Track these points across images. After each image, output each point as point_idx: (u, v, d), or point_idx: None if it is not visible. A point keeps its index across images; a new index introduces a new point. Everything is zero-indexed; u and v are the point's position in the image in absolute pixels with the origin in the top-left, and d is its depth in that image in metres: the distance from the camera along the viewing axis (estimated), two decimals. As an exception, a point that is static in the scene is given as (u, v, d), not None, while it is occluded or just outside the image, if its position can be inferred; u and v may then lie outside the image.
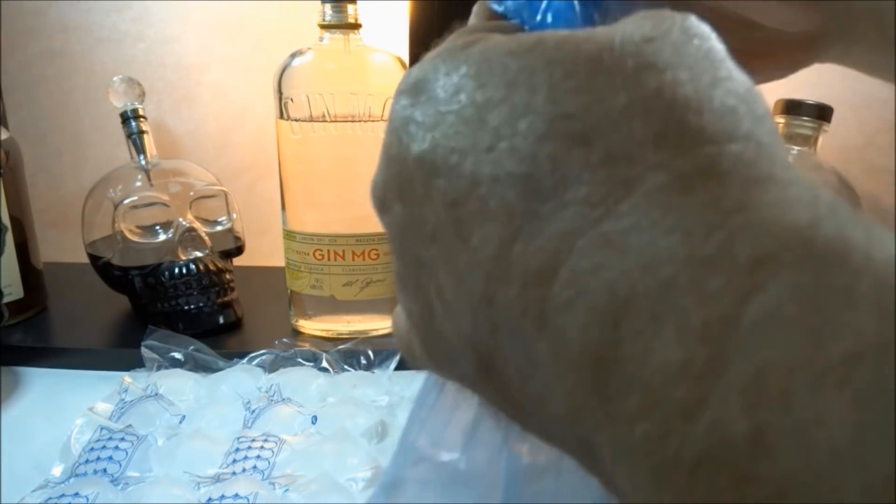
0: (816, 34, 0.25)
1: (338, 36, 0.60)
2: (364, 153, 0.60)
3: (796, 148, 0.65)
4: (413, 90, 0.17)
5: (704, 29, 0.16)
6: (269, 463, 0.44)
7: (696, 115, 0.14)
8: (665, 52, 0.15)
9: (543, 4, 0.19)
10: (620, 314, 0.13)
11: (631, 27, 0.16)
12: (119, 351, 0.61)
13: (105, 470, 0.44)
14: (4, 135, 0.66)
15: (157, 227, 0.65)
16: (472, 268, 0.15)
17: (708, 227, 0.13)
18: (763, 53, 0.26)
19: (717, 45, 0.16)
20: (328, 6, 0.59)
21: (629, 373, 0.13)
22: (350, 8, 0.59)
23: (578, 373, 0.14)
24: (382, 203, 0.18)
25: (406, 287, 0.19)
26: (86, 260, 0.68)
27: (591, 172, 0.14)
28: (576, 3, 0.19)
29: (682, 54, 0.15)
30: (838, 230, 0.12)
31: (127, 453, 0.45)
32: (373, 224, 0.61)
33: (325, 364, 0.57)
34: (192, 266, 0.63)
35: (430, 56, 0.18)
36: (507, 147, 0.15)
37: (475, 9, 0.22)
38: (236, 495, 0.40)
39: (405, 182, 0.17)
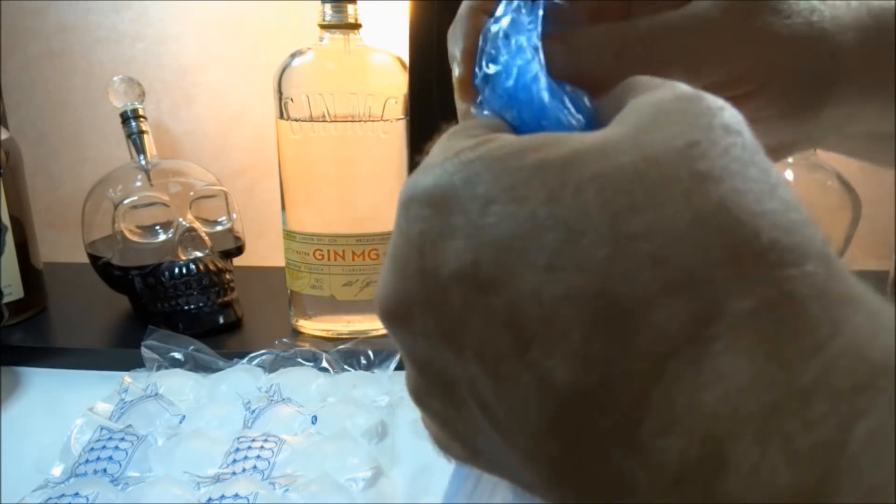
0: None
1: (338, 36, 0.60)
2: (364, 153, 0.60)
3: (796, 148, 0.65)
4: (430, 200, 0.16)
5: (739, 119, 0.16)
6: (269, 463, 0.44)
7: (767, 233, 0.14)
8: (714, 157, 0.14)
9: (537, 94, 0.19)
10: (722, 438, 0.13)
11: (664, 131, 0.15)
12: (119, 351, 0.61)
13: (105, 470, 0.44)
14: (4, 135, 0.66)
15: (157, 227, 0.65)
16: (539, 391, 0.15)
17: (804, 356, 0.13)
18: None
19: (753, 139, 0.15)
20: (328, 6, 0.59)
21: (734, 496, 0.12)
22: (350, 8, 0.59)
23: (679, 495, 0.13)
24: (400, 317, 0.17)
25: (432, 399, 0.18)
26: (86, 260, 0.68)
27: (672, 294, 0.14)
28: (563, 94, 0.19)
29: (732, 158, 0.15)
30: None
31: (127, 453, 0.45)
32: (373, 224, 0.62)
33: (325, 364, 0.57)
34: (192, 266, 0.63)
35: (432, 162, 0.17)
36: (573, 265, 0.14)
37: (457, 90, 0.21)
38: (236, 495, 0.40)
39: (436, 298, 0.16)
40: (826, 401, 0.12)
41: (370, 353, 0.58)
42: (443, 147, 0.17)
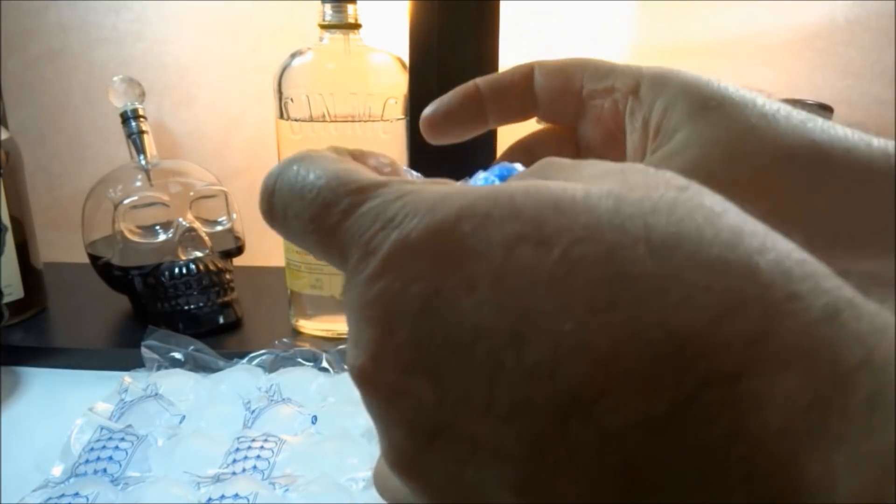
0: None
1: (338, 36, 0.60)
2: (364, 153, 0.60)
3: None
4: (431, 250, 0.15)
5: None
6: (269, 463, 0.44)
7: (796, 270, 0.13)
8: (713, 204, 0.14)
9: None
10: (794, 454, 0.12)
11: (652, 177, 0.15)
12: (119, 351, 0.61)
13: (105, 470, 0.44)
14: (4, 135, 0.66)
15: (157, 227, 0.65)
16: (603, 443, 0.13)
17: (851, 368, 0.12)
18: None
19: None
20: (328, 6, 0.59)
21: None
22: (350, 8, 0.59)
23: None
24: (403, 388, 0.15)
25: (434, 465, 0.15)
26: (86, 260, 0.68)
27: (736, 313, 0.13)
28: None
29: (727, 205, 0.15)
30: None
31: (127, 453, 0.45)
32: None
33: (325, 364, 0.57)
34: (192, 266, 0.63)
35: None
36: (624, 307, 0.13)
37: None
38: (236, 495, 0.40)
39: (454, 361, 0.14)
40: (883, 407, 0.12)
41: (370, 353, 0.58)
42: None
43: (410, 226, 0.15)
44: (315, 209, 0.17)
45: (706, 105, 0.24)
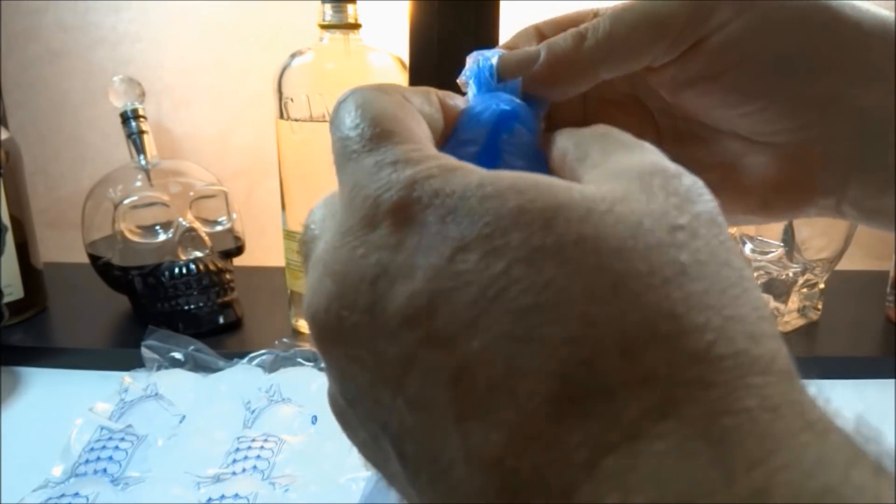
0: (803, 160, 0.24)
1: (338, 36, 0.60)
2: (364, 153, 0.60)
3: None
4: (394, 229, 0.15)
5: (718, 209, 0.15)
6: (269, 463, 0.44)
7: (734, 340, 0.13)
8: (693, 249, 0.14)
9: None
10: None
11: (649, 206, 0.14)
12: (119, 351, 0.61)
13: (105, 470, 0.44)
14: (4, 135, 0.67)
15: (157, 227, 0.65)
16: (467, 460, 0.14)
17: (748, 466, 0.12)
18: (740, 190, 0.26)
19: (728, 235, 0.15)
20: (328, 6, 0.59)
21: None
22: (350, 8, 0.59)
23: None
24: (336, 339, 0.16)
25: (352, 422, 0.17)
26: (86, 260, 0.68)
27: (630, 388, 0.13)
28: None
29: (710, 252, 0.14)
30: None
31: (127, 453, 0.45)
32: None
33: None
34: (192, 266, 0.63)
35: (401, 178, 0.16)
36: (538, 338, 0.13)
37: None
38: (236, 495, 0.40)
39: (381, 336, 0.15)
40: None
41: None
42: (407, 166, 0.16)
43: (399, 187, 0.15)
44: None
45: None
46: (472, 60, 0.23)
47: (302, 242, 0.19)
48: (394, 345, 0.14)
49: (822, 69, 0.23)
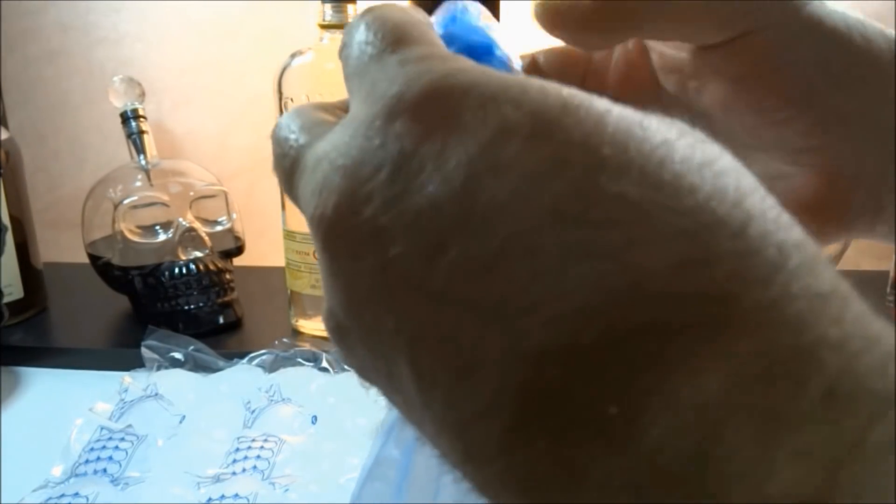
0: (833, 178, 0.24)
1: (338, 36, 0.60)
2: (364, 153, 0.60)
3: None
4: (428, 112, 0.15)
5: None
6: (269, 463, 0.44)
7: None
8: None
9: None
10: (721, 429, 0.11)
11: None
12: (119, 351, 0.61)
13: (105, 470, 0.44)
14: (4, 135, 0.67)
15: (157, 227, 0.65)
16: (513, 352, 0.13)
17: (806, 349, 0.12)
18: None
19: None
20: (328, 6, 0.59)
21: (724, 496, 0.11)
22: (350, 8, 0.59)
23: (660, 494, 0.12)
24: (344, 233, 0.15)
25: (353, 340, 0.16)
26: (86, 260, 0.68)
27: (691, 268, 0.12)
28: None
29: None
30: None
31: (127, 453, 0.45)
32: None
33: (325, 364, 0.57)
34: (192, 266, 0.63)
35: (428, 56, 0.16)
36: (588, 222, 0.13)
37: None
38: (236, 495, 0.40)
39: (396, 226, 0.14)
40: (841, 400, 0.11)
41: (370, 353, 0.58)
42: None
43: (422, 81, 0.15)
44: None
45: None
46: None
47: (281, 156, 0.18)
48: (418, 235, 0.13)
49: (859, 83, 0.23)
